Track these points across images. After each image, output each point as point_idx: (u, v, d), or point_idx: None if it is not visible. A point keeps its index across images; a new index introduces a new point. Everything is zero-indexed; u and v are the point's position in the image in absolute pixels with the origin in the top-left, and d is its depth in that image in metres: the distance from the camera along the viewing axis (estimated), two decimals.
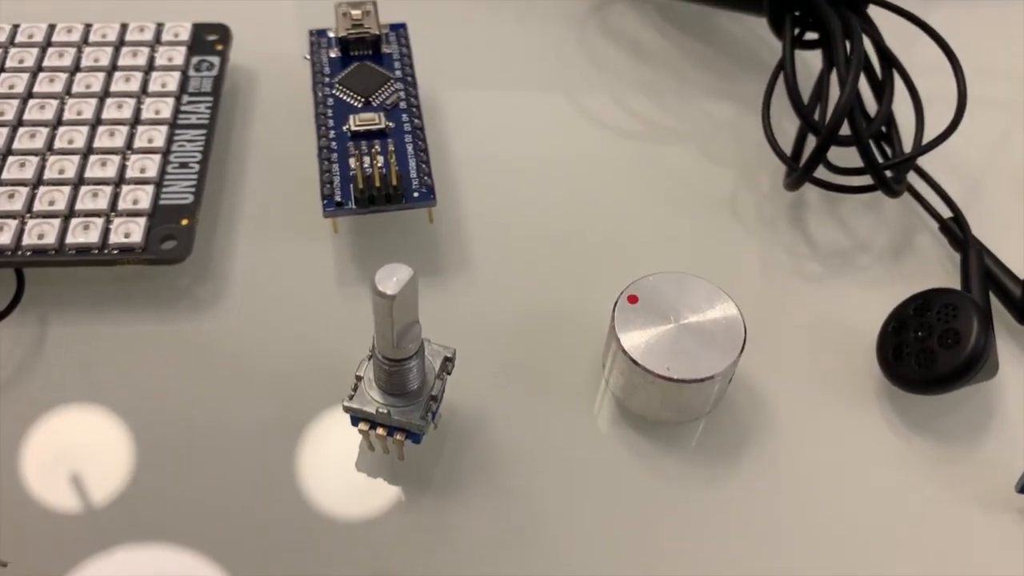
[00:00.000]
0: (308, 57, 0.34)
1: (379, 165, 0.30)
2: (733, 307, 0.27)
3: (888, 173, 0.31)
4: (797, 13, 0.34)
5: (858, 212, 0.34)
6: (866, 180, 0.31)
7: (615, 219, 0.34)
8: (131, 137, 0.32)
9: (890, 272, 0.32)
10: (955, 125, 0.31)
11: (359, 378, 0.26)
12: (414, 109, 0.32)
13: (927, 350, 0.28)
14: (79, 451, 0.27)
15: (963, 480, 0.28)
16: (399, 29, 0.35)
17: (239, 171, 0.34)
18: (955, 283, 0.31)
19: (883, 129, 0.33)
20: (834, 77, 0.33)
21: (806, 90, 0.34)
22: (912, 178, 0.34)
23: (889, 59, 0.33)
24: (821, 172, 0.32)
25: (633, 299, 0.27)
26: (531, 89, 0.37)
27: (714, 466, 0.28)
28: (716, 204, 0.34)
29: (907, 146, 0.33)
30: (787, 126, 0.35)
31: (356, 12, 0.34)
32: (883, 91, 0.33)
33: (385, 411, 0.25)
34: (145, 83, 0.34)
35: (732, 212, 0.34)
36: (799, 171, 0.31)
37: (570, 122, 0.36)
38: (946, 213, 0.33)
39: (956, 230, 0.32)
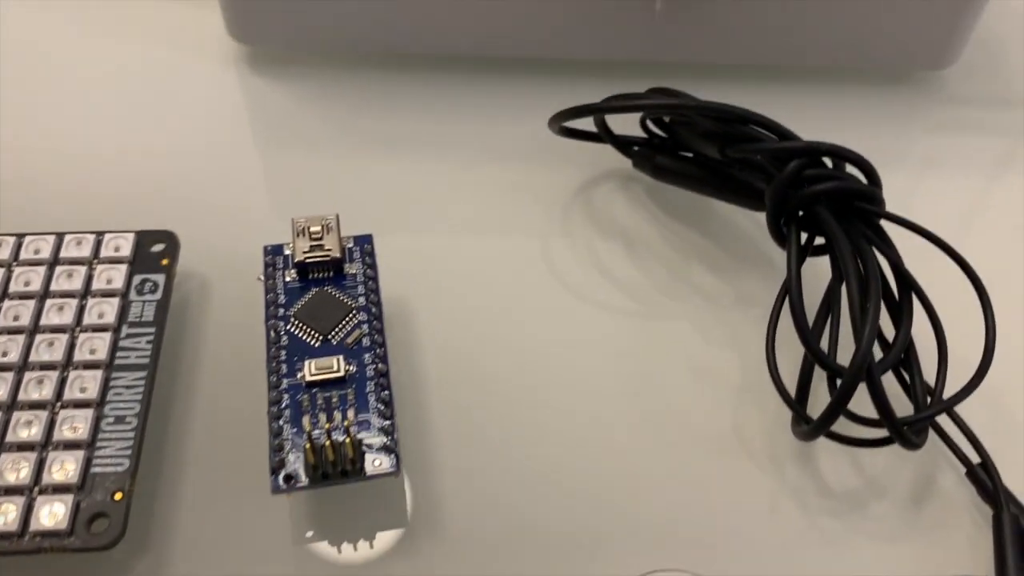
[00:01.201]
0: (262, 279, 0.31)
1: (334, 427, 0.26)
2: None
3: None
4: (801, 213, 0.31)
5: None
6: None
7: (603, 456, 0.30)
8: (61, 384, 0.29)
9: (910, 525, 0.29)
10: (983, 372, 0.28)
11: None
12: (378, 349, 0.29)
13: None
14: None
15: None
16: (364, 243, 0.31)
17: (184, 418, 0.30)
18: (986, 539, 0.28)
19: (902, 356, 0.30)
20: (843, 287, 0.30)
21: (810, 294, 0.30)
22: None
23: (908, 283, 0.30)
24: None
25: None
26: (511, 290, 0.34)
27: None
28: (716, 433, 0.31)
29: (927, 370, 0.30)
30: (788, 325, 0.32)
31: (315, 228, 0.31)
32: (900, 317, 0.30)
33: None
34: (80, 312, 0.30)
35: (738, 441, 0.30)
36: (812, 426, 0.28)
37: (554, 331, 0.33)
38: (975, 456, 0.29)
39: (985, 480, 0.29)
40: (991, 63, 0.42)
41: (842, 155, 0.30)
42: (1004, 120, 0.40)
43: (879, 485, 0.30)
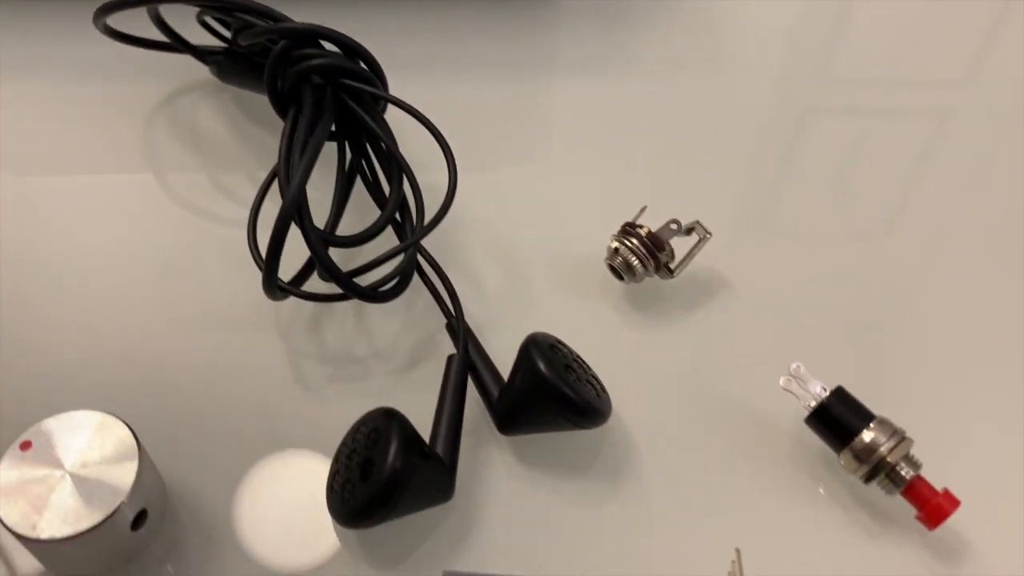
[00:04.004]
0: None
1: None
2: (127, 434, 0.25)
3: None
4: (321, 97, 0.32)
5: (392, 310, 0.32)
6: None
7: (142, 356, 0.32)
8: None
9: (402, 381, 0.31)
10: (437, 221, 0.30)
11: None
12: None
13: (351, 481, 0.26)
14: None
15: None
16: None
17: None
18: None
19: (397, 217, 0.32)
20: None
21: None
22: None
23: (393, 157, 0.31)
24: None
25: (26, 445, 0.25)
26: (73, 200, 0.35)
27: None
28: (250, 309, 0.32)
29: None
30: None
31: None
32: (391, 183, 0.31)
33: None
34: None
35: (263, 315, 0.32)
36: (265, 281, 0.29)
37: (109, 242, 0.34)
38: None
39: (458, 330, 0.30)
40: None
41: (331, 37, 0.32)
42: (616, 22, 0.42)
43: (384, 347, 0.31)
